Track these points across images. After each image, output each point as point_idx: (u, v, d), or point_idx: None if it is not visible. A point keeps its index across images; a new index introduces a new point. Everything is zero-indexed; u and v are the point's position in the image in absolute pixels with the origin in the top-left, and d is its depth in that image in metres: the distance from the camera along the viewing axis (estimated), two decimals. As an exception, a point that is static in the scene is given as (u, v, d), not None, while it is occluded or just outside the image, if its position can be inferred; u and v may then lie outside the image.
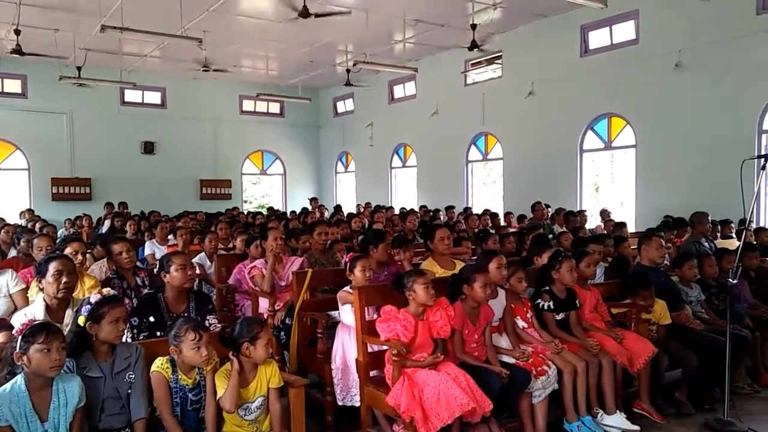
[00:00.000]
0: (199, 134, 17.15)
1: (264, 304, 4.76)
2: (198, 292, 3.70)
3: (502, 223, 10.86)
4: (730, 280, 3.94)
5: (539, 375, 3.58)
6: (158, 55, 14.06)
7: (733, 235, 7.86)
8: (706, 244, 6.71)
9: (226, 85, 17.13)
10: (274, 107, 18.69)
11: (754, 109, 8.91)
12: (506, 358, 3.70)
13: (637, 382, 4.16)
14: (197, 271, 5.63)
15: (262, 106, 18.46)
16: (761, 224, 8.68)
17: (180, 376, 2.70)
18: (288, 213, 13.78)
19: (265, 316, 4.60)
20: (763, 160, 3.78)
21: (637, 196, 10.72)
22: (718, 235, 7.71)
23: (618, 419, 3.86)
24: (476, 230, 8.89)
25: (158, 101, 16.85)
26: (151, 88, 16.50)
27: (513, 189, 12.99)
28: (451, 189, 14.36)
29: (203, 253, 6.31)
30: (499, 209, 12.31)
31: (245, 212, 13.79)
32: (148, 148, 16.43)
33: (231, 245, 7.08)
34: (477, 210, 12.27)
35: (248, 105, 18.21)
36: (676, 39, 9.72)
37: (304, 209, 13.43)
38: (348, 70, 13.73)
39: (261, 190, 20.24)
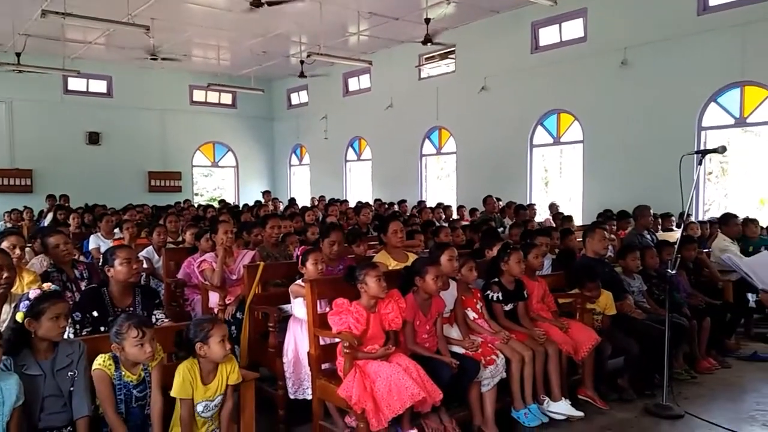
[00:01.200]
0: (147, 125, 16.66)
1: (214, 298, 4.68)
2: (144, 287, 3.61)
3: (455, 216, 11.00)
4: (669, 270, 4.12)
5: (488, 364, 3.66)
6: (104, 43, 13.58)
7: (674, 227, 8.20)
8: (648, 236, 6.98)
9: (175, 75, 16.69)
10: (226, 98, 18.34)
11: (694, 106, 9.31)
12: (456, 349, 3.76)
13: (581, 369, 4.30)
14: (144, 266, 5.52)
15: (213, 97, 18.08)
16: (700, 217, 9.10)
17: (124, 373, 2.63)
18: (241, 206, 13.57)
19: (216, 310, 4.53)
20: (700, 155, 3.96)
21: (584, 190, 11.05)
22: (660, 227, 8.02)
23: (563, 406, 3.99)
24: (425, 222, 8.95)
25: (104, 90, 16.28)
26: (97, 77, 15.93)
27: (466, 183, 13.17)
28: (406, 182, 14.46)
29: (151, 247, 6.15)
30: (453, 203, 12.47)
31: (196, 205, 13.50)
32: (93, 138, 15.87)
33: (180, 239, 6.92)
34: (431, 203, 12.38)
35: (199, 95, 17.80)
36: (622, 37, 10.04)
37: (257, 202, 13.25)
38: (302, 62, 13.60)
39: (213, 183, 19.86)
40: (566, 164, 14.21)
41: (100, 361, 2.60)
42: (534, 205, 10.62)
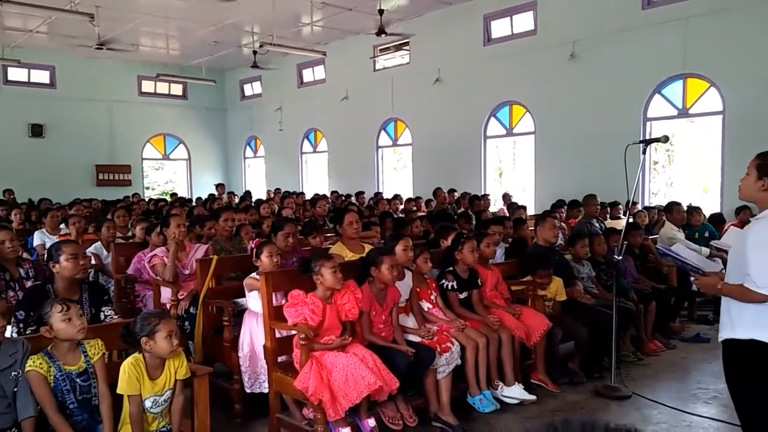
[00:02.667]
0: (93, 116, 16.07)
1: (166, 293, 4.58)
2: (92, 283, 3.51)
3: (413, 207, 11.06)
4: (616, 256, 4.26)
5: (443, 352, 3.71)
6: (46, 31, 13.01)
7: (621, 215, 8.47)
8: (596, 224, 7.19)
9: (123, 65, 16.15)
10: (177, 89, 17.86)
11: (640, 98, 9.61)
12: (412, 337, 3.80)
13: (533, 354, 4.41)
14: (92, 261, 5.37)
15: (163, 88, 17.59)
16: (647, 205, 9.42)
17: (62, 364, 2.56)
18: (194, 200, 13.30)
19: (168, 306, 4.44)
20: (644, 144, 4.10)
21: (536, 180, 11.28)
22: (608, 216, 8.27)
23: (516, 390, 4.09)
24: (383, 213, 8.99)
25: (47, 80, 15.61)
26: (39, 67, 15.26)
27: (422, 174, 13.25)
28: (362, 174, 14.44)
29: (99, 243, 5.96)
30: (410, 194, 12.54)
31: (146, 199, 13.15)
32: (36, 131, 15.21)
33: (130, 234, 6.74)
34: (388, 195, 12.43)
35: (148, 86, 17.28)
36: (570, 30, 10.26)
37: (210, 195, 13.01)
38: (255, 52, 13.36)
39: (164, 176, 19.38)
40: (520, 155, 14.49)
41: (31, 363, 2.53)
42: (488, 195, 10.79)
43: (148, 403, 2.63)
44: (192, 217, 6.82)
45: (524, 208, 8.80)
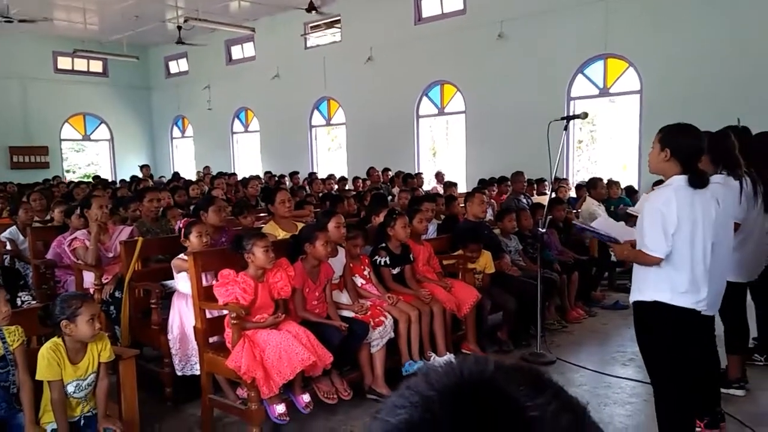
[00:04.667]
0: (4, 95, 15.05)
1: (89, 278, 4.39)
2: (7, 268, 3.33)
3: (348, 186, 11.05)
4: (540, 229, 4.43)
5: (377, 326, 3.77)
6: (-54, 1, 11.98)
7: (547, 192, 8.79)
8: (524, 200, 7.44)
9: (36, 40, 15.12)
10: (96, 66, 16.95)
11: (564, 77, 9.95)
12: (346, 313, 3.84)
13: (464, 325, 4.55)
14: (8, 247, 5.07)
15: (81, 65, 16.65)
16: (571, 182, 9.80)
17: None
18: (118, 182, 12.74)
19: (92, 290, 4.27)
20: (565, 121, 4.26)
21: (467, 158, 11.51)
22: (535, 192, 8.57)
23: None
24: (320, 194, 8.96)
25: (-52, 55, 14.47)
26: (-61, 40, 14.12)
27: (356, 154, 13.23)
28: (296, 154, 14.27)
29: (14, 227, 5.62)
30: (345, 174, 12.50)
31: (66, 182, 12.49)
32: (-59, 110, 14.11)
33: (48, 217, 6.39)
34: (322, 175, 12.34)
35: (64, 63, 16.29)
36: (498, 10, 10.45)
37: (134, 177, 12.50)
38: (179, 27, 12.85)
39: (86, 158, 18.42)
40: (452, 135, 14.72)
41: None
42: (421, 174, 10.92)
43: (70, 388, 2.53)
44: (115, 199, 6.54)
45: (456, 185, 8.98)
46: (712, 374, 3.27)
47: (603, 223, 3.44)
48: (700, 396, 3.11)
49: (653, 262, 2.70)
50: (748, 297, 3.93)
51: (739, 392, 3.75)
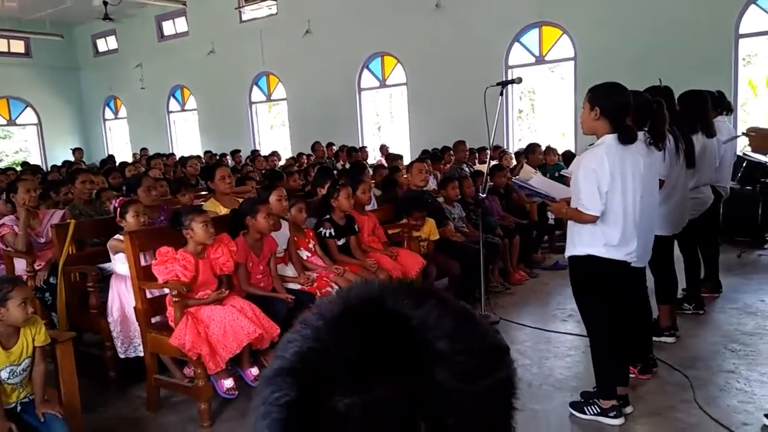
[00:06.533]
0: None
1: (21, 265, 4.21)
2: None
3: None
4: (480, 194, 4.52)
5: (323, 296, 3.77)
6: None
7: (487, 159, 8.94)
8: (466, 168, 7.55)
9: (-54, 18, 14.11)
10: (17, 46, 15.95)
11: (501, 46, 10.07)
12: (292, 285, 3.83)
13: (411, 292, 4.61)
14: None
15: (1, 45, 15.64)
16: (511, 150, 10.00)
17: None
18: (49, 167, 12.15)
19: (25, 278, 4.09)
20: (501, 87, 4.32)
21: (411, 130, 11.55)
22: (477, 160, 8.70)
23: (396, 327, 4.27)
24: (263, 171, 8.83)
25: None
26: None
27: (299, 129, 13.05)
28: (238, 132, 13.95)
29: (-66, 217, 5.30)
30: (289, 151, 12.33)
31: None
32: None
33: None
34: (266, 153, 12.12)
35: (-19, 43, 15.30)
36: (435, -20, 10.42)
37: (66, 162, 11.96)
38: (105, 3, 12.21)
39: (13, 145, 17.45)
40: (396, 108, 14.71)
41: None
42: (365, 147, 10.89)
43: (4, 374, 2.44)
44: (46, 183, 6.25)
45: (402, 157, 9.00)
46: (644, 323, 3.46)
47: (540, 181, 3.54)
48: (633, 344, 3.28)
49: (589, 220, 2.80)
50: (677, 250, 4.16)
51: (670, 339, 3.97)
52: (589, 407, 3.03)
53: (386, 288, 0.52)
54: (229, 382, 3.20)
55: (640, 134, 3.05)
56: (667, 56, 8.12)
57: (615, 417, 2.96)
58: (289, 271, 3.99)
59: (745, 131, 4.23)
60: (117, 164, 9.82)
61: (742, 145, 6.40)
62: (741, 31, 8.22)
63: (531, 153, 7.38)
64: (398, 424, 0.44)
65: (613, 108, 2.81)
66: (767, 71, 11.65)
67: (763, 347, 3.85)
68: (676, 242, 4.08)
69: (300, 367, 0.47)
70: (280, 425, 0.46)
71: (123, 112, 16.88)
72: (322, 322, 0.49)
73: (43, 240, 4.30)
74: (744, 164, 6.12)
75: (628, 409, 3.06)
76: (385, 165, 8.58)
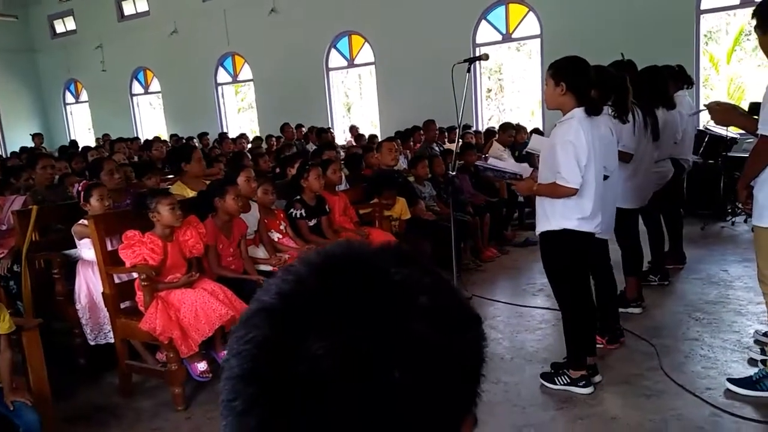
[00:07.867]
0: None
1: (-19, 254, 4.08)
2: None
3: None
4: (450, 172, 4.53)
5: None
6: None
7: (457, 138, 8.96)
8: (436, 148, 7.57)
9: None
10: (-31, 28, 15.30)
11: (468, 24, 10.05)
12: (264, 267, 3.81)
13: (383, 271, 4.63)
14: None
15: (-50, 27, 14.99)
16: (479, 127, 10.05)
17: None
18: (8, 155, 11.77)
19: (-14, 267, 3.97)
20: (468, 63, 4.31)
21: (380, 110, 11.49)
22: (446, 140, 8.72)
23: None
24: (231, 153, 8.70)
25: None
26: None
27: (267, 111, 12.86)
28: (204, 115, 13.66)
29: None
30: (258, 134, 12.16)
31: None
32: None
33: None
34: (234, 135, 11.94)
35: (-71, 24, 14.61)
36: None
37: (25, 148, 11.58)
38: (61, -19, 11.79)
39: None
40: (365, 88, 14.61)
41: None
42: (331, 129, 10.80)
43: (-34, 364, 2.38)
44: (4, 169, 6.06)
45: (374, 137, 8.97)
46: (609, 294, 3.54)
47: (497, 161, 3.57)
48: (600, 315, 3.36)
49: (568, 193, 2.80)
50: (641, 224, 4.25)
51: (637, 310, 4.08)
52: (559, 378, 3.10)
53: (370, 247, 0.53)
54: (202, 365, 3.18)
55: (605, 108, 3.09)
56: (631, 32, 8.20)
57: (584, 386, 3.04)
58: (260, 252, 3.96)
59: (707, 104, 4.32)
60: (80, 149, 9.56)
61: (705, 119, 6.54)
62: (702, 7, 8.35)
63: (503, 131, 7.43)
64: (372, 371, 0.44)
65: (579, 83, 2.83)
66: (728, 47, 11.91)
67: (725, 315, 3.98)
68: (640, 216, 4.17)
69: (280, 306, 0.48)
70: (249, 361, 0.46)
71: (84, 95, 16.38)
72: (305, 269, 0.50)
73: (4, 227, 4.18)
74: (706, 138, 6.26)
75: (597, 378, 3.14)
76: (355, 145, 8.56)
